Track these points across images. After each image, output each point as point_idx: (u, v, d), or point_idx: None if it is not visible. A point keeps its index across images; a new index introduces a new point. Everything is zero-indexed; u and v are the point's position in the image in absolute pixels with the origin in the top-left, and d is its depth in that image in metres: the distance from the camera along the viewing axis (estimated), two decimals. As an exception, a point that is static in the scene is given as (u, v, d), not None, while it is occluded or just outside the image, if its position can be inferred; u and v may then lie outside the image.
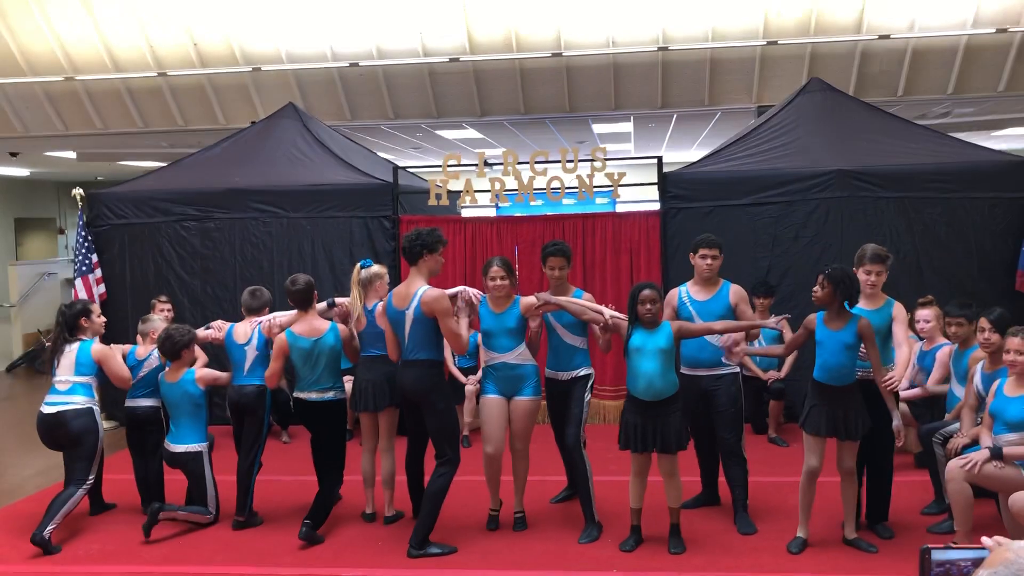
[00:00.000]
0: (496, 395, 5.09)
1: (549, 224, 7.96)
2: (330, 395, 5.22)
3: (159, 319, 6.20)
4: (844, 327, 4.61)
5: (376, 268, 5.45)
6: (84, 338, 5.42)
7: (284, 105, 9.41)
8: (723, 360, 5.20)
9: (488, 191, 7.88)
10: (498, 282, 5.03)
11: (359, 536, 5.23)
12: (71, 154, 13.96)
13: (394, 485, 5.44)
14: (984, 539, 1.57)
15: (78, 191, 8.26)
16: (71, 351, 5.35)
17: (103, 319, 5.68)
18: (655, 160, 7.91)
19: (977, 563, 1.58)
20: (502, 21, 10.03)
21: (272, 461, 6.89)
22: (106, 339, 7.98)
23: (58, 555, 5.03)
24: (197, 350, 6.22)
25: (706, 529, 5.17)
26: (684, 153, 16.46)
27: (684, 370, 5.27)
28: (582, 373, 5.20)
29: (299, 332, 5.21)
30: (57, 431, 5.24)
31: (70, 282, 13.86)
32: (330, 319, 5.45)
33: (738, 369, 5.30)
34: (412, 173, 9.45)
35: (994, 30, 9.52)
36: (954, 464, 4.56)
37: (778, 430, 7.10)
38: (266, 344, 5.53)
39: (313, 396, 5.20)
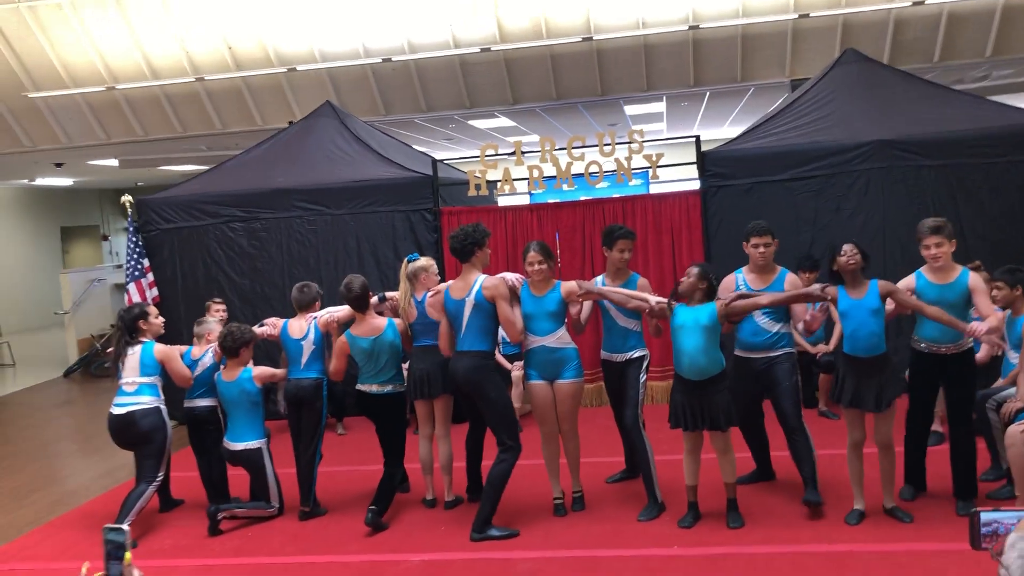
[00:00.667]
0: (539, 380, 5.18)
1: (589, 209, 8.02)
2: (389, 388, 5.36)
3: (214, 321, 6.38)
4: (866, 293, 4.66)
5: (423, 261, 5.56)
6: (145, 340, 5.59)
7: (321, 104, 9.55)
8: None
9: (526, 179, 7.96)
10: (536, 267, 5.11)
11: (422, 521, 5.36)
12: (113, 162, 14.28)
13: (452, 471, 5.57)
14: None
15: (127, 198, 8.47)
16: (134, 353, 5.52)
17: (161, 320, 5.84)
18: (692, 139, 7.92)
19: None
20: (531, 8, 10.08)
21: (330, 453, 7.05)
22: (161, 341, 8.24)
23: (134, 550, 5.22)
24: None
25: (764, 504, 5.22)
26: (717, 131, 16.40)
27: (738, 352, 5.32)
28: (636, 355, 5.29)
29: (358, 333, 5.36)
30: (127, 430, 5.43)
31: (119, 287, 14.21)
32: (382, 313, 5.58)
33: (793, 350, 5.26)
34: (449, 165, 9.55)
35: (1031, -11, 9.40)
36: (1015, 429, 4.58)
37: (828, 404, 7.12)
38: (322, 338, 5.67)
39: (374, 389, 5.35)
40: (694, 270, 4.89)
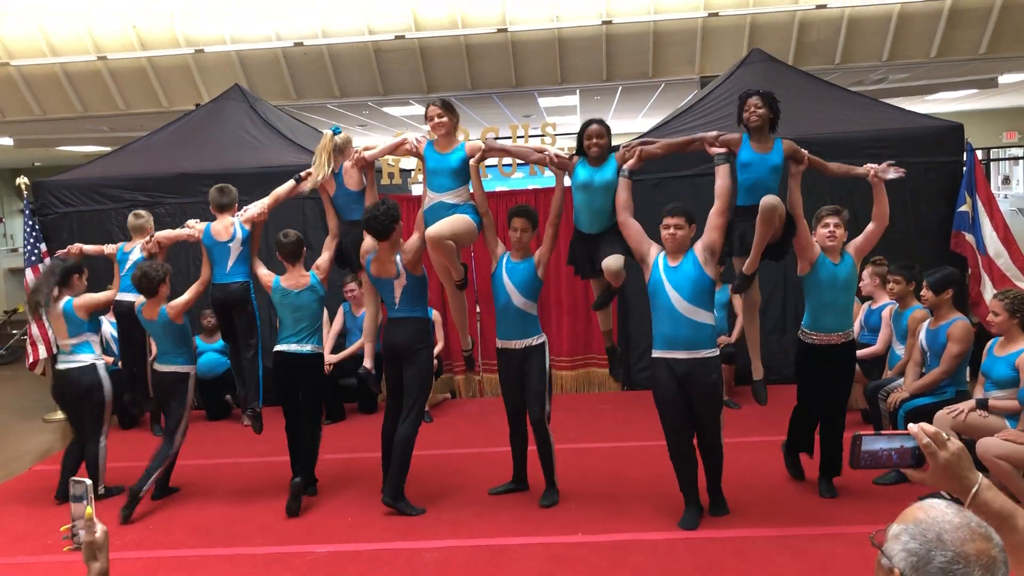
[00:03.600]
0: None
1: (502, 199, 8.06)
2: (308, 347, 5.41)
3: (148, 216, 6.66)
4: (771, 150, 4.82)
5: (347, 135, 5.53)
6: (68, 295, 5.67)
7: (230, 87, 9.32)
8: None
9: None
10: (435, 120, 5.13)
11: (329, 512, 5.33)
12: (8, 141, 13.65)
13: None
14: (911, 426, 1.73)
15: (23, 180, 8.13)
16: (58, 310, 5.61)
17: (85, 285, 5.88)
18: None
19: (902, 452, 1.72)
20: (447, -2, 10.05)
21: (236, 444, 6.98)
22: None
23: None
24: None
25: (668, 492, 5.36)
26: (631, 123, 16.65)
27: (656, 353, 4.81)
28: (536, 342, 5.24)
29: (287, 285, 5.42)
30: (66, 388, 5.66)
31: (14, 272, 13.64)
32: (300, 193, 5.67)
33: (717, 351, 4.74)
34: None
35: (925, -2, 9.82)
36: (942, 413, 4.86)
37: (730, 393, 7.33)
38: (248, 238, 5.61)
39: (293, 348, 5.40)
40: (593, 126, 4.97)
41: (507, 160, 7.78)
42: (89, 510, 2.11)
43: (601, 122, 5.03)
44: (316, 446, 5.52)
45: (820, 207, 5.25)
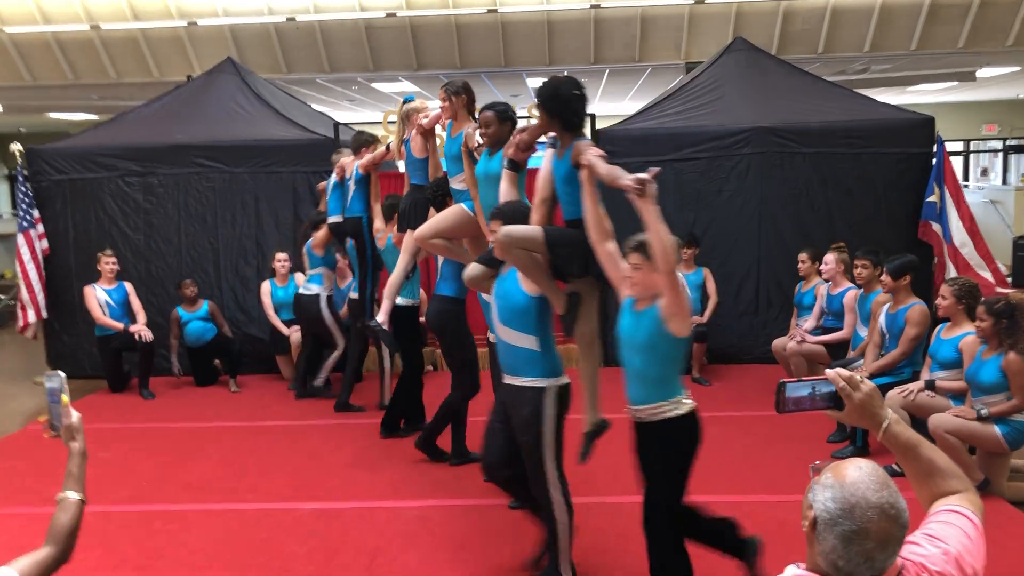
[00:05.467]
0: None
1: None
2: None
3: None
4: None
5: (416, 103, 5.80)
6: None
7: (222, 60, 9.46)
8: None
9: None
10: (441, 105, 5.07)
11: (317, 471, 5.58)
12: (-3, 106, 13.71)
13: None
14: (827, 371, 1.98)
15: (16, 146, 8.26)
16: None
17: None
18: (588, 117, 8.25)
19: (824, 396, 1.96)
20: (438, -24, 10.20)
21: (225, 408, 7.21)
22: (49, 292, 8.17)
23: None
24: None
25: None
26: (618, 105, 16.85)
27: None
28: None
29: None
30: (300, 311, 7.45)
31: (0, 237, 13.74)
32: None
33: (543, 383, 3.78)
34: (351, 128, 9.62)
35: (907, -8, 10.06)
36: (893, 393, 5.14)
37: (701, 371, 7.61)
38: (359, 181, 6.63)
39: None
40: (484, 113, 4.45)
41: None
42: (65, 398, 2.40)
43: (495, 107, 4.46)
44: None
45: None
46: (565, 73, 12.16)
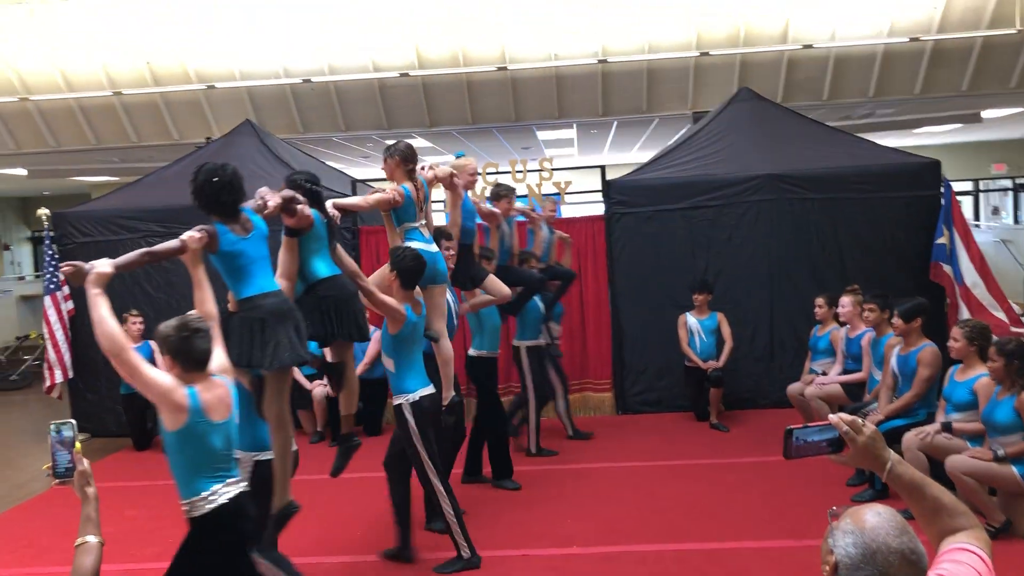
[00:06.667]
0: None
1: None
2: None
3: None
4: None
5: (460, 160, 5.92)
6: None
7: (241, 122, 9.72)
8: None
9: (442, 201, 8.29)
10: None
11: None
12: (22, 171, 14.04)
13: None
14: (831, 416, 2.06)
15: (44, 211, 8.50)
16: None
17: None
18: (598, 169, 8.43)
19: (828, 441, 2.03)
20: (449, 38, 10.47)
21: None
22: (74, 352, 8.30)
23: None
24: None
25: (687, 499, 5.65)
26: (626, 154, 17.08)
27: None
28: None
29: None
30: None
31: (26, 299, 13.98)
32: None
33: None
34: (368, 184, 9.83)
35: (908, 39, 10.24)
36: (909, 435, 5.19)
37: (719, 416, 7.65)
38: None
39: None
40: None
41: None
42: (78, 445, 2.50)
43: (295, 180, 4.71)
44: None
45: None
46: (575, 126, 12.45)
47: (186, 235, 3.66)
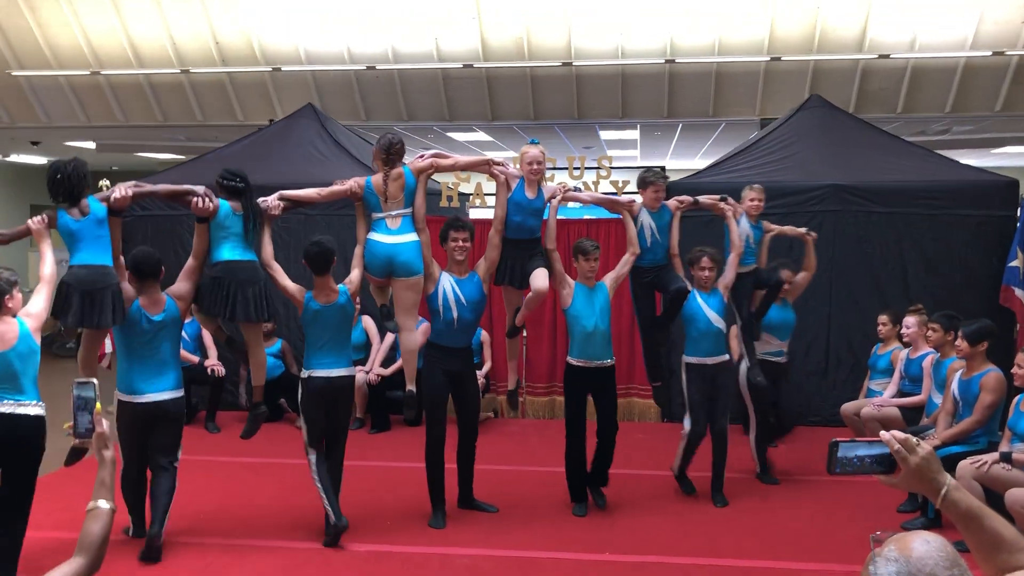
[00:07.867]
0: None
1: (558, 228, 8.27)
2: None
3: None
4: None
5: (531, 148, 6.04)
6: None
7: (303, 105, 9.76)
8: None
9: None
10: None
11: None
12: (91, 144, 14.33)
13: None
14: (883, 433, 1.86)
15: (105, 183, 8.59)
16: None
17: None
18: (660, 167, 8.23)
19: (878, 459, 1.84)
20: (515, 29, 10.37)
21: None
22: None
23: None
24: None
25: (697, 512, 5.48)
26: (689, 161, 16.79)
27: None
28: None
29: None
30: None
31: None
32: None
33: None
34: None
35: (991, 53, 9.84)
36: (965, 463, 4.93)
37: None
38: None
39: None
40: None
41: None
42: (99, 405, 2.44)
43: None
44: None
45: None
46: (638, 127, 12.25)
47: (29, 220, 4.78)
